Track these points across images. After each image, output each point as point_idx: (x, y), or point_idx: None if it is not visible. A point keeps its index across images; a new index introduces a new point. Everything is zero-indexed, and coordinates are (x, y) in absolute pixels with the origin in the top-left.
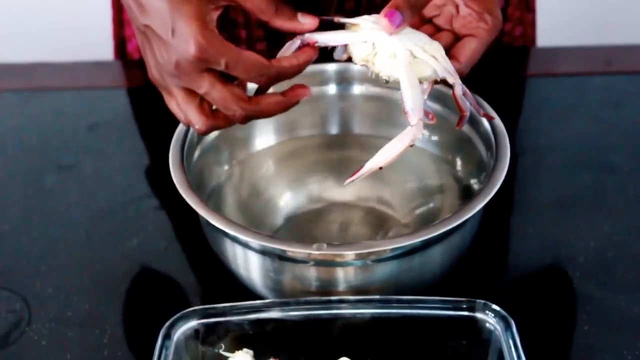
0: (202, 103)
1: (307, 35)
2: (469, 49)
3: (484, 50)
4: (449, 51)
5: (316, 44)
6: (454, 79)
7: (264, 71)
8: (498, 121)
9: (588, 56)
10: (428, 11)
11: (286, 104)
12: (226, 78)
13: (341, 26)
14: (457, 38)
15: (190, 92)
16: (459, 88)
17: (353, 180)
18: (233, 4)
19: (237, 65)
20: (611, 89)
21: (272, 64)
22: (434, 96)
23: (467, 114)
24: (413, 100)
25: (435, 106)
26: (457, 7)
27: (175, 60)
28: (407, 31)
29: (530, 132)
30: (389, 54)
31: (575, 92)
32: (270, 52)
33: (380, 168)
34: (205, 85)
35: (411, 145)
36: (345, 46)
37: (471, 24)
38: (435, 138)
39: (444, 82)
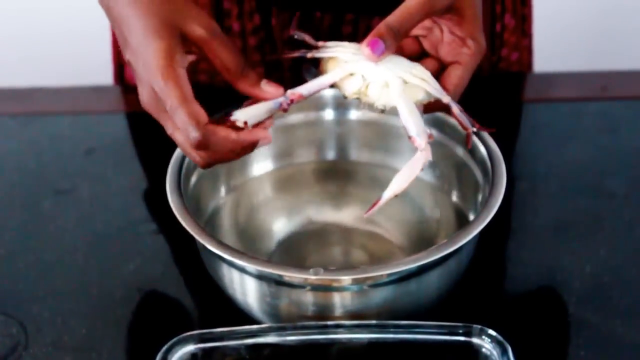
0: None
1: (289, 92)
2: (455, 76)
3: (470, 75)
4: (437, 80)
5: (301, 98)
6: (447, 98)
7: (191, 129)
8: (494, 146)
9: (584, 82)
10: (415, 31)
11: (238, 144)
12: None
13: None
14: (443, 67)
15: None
16: (455, 106)
17: (373, 212)
18: (202, 57)
19: (175, 111)
20: (607, 114)
21: (206, 128)
22: (430, 122)
23: (471, 130)
24: (416, 125)
25: (431, 131)
26: (442, 32)
27: (146, 94)
28: (390, 57)
29: (527, 157)
30: (382, 84)
31: (571, 117)
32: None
33: (396, 196)
34: (169, 127)
35: (422, 170)
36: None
37: (455, 50)
38: (430, 159)
39: (438, 103)
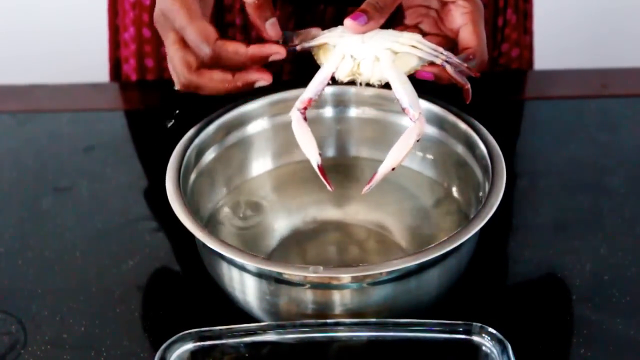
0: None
1: (298, 103)
2: (469, 33)
3: (481, 28)
4: (456, 49)
5: (312, 101)
6: (440, 59)
7: (203, 46)
8: (494, 144)
9: (584, 79)
10: (411, 19)
11: (231, 84)
12: None
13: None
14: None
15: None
16: (448, 66)
17: (370, 187)
18: None
19: (185, 29)
20: (607, 112)
21: (214, 42)
22: (431, 120)
23: (469, 86)
24: (408, 96)
25: (431, 129)
26: (437, 12)
27: (156, 9)
28: (375, 32)
29: (527, 154)
30: (372, 60)
31: (572, 115)
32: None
33: (393, 169)
34: (168, 42)
35: (417, 141)
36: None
37: (453, 16)
38: (430, 157)
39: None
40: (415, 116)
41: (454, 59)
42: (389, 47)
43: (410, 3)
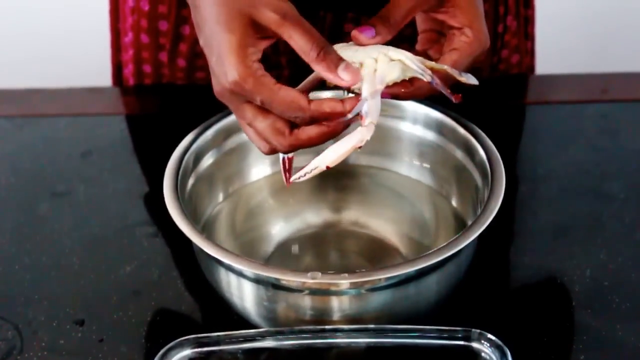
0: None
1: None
2: (449, 60)
3: (467, 61)
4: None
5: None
6: (424, 76)
7: (299, 113)
8: (493, 149)
9: (584, 84)
10: (421, 44)
11: (329, 134)
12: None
13: None
14: None
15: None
16: (437, 80)
17: (299, 178)
18: (279, 39)
19: (272, 104)
20: (608, 117)
21: (309, 107)
22: (429, 125)
23: (459, 97)
24: (369, 106)
25: (430, 134)
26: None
27: (219, 87)
28: (377, 46)
29: (527, 160)
30: (356, 66)
31: (572, 120)
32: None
33: (328, 167)
34: (248, 116)
35: (359, 147)
36: None
37: (453, 41)
38: (427, 165)
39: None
40: (365, 123)
41: (438, 80)
42: (375, 56)
43: (423, 27)
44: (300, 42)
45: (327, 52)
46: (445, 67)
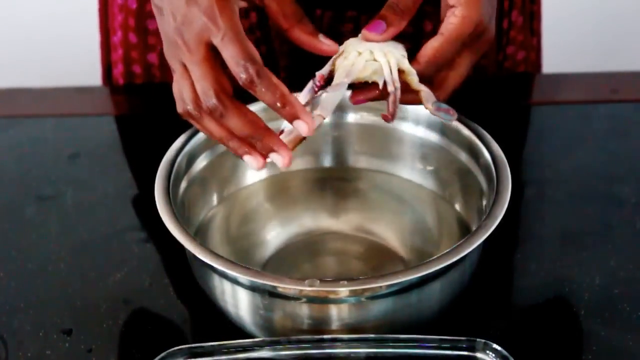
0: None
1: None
2: (430, 48)
3: (452, 48)
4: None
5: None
6: (388, 84)
7: (247, 65)
8: (499, 151)
9: (593, 84)
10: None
11: (256, 130)
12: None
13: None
14: None
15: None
16: (393, 96)
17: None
18: (257, 4)
19: (229, 44)
20: (617, 117)
21: (263, 67)
22: (432, 126)
23: (392, 120)
24: (326, 102)
25: (433, 136)
26: None
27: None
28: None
29: (533, 162)
30: (342, 54)
31: (580, 121)
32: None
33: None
34: (193, 58)
35: (304, 138)
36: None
37: (444, 23)
38: (430, 168)
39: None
40: (315, 114)
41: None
42: (360, 50)
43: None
44: (284, 4)
45: (306, 20)
46: (423, 89)
